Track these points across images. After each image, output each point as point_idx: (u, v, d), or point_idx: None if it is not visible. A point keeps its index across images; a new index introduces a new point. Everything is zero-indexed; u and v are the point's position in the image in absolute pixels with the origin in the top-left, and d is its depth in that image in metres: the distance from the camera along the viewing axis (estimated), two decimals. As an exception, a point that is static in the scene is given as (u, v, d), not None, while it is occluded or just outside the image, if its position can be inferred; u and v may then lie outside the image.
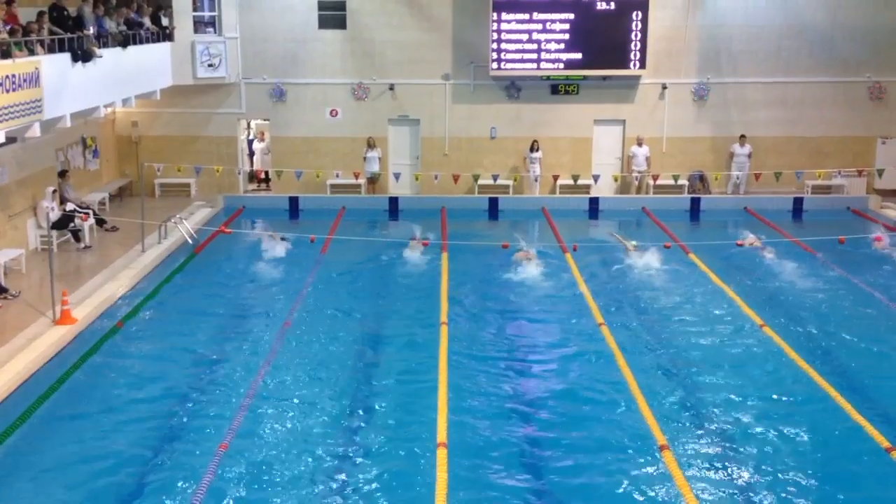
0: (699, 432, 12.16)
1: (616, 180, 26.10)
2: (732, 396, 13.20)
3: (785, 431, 12.12)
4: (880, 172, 24.37)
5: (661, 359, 14.74)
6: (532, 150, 25.86)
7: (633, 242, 20.76)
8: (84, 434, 12.05)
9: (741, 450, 11.68)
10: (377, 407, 12.89)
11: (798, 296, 17.79)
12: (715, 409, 12.83)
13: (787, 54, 26.01)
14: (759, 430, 12.19)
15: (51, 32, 18.20)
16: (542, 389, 13.60)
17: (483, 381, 13.75)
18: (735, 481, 10.96)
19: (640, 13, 25.17)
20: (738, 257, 20.03)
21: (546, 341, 15.55)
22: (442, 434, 11.56)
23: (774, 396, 13.23)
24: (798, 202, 25.46)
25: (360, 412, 12.75)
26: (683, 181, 26.06)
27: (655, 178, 25.41)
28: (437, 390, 12.98)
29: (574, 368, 14.36)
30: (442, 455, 10.99)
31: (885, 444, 11.42)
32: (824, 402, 12.83)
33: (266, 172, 27.52)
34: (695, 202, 25.50)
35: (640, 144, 25.91)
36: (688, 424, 12.38)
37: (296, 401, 13.01)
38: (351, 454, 11.54)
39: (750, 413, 12.67)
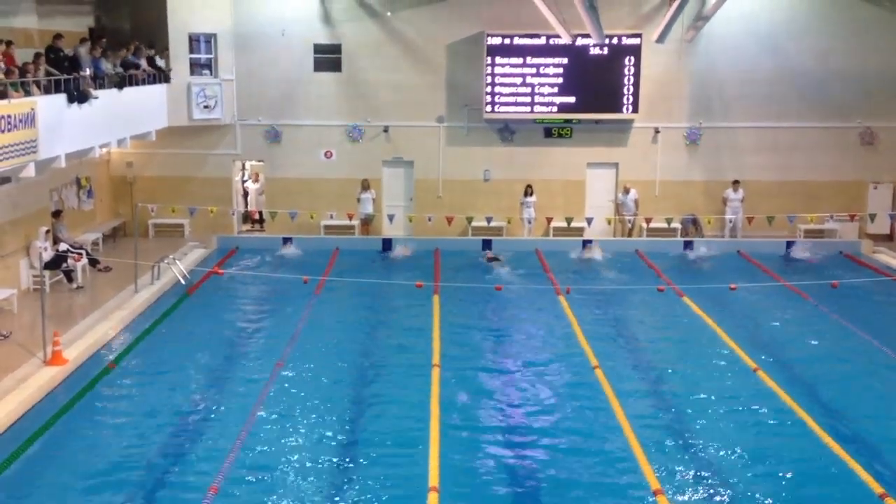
0: (693, 477, 12.07)
1: (609, 223, 26.20)
2: (726, 440, 13.13)
3: (778, 475, 12.07)
4: (872, 217, 24.53)
5: (655, 403, 14.68)
6: (526, 194, 25.98)
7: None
8: (74, 475, 11.92)
9: (735, 495, 11.59)
10: (369, 450, 12.78)
11: (791, 340, 17.79)
12: (709, 454, 12.76)
13: (778, 99, 26.26)
14: (752, 473, 12.14)
15: (47, 73, 18.32)
16: (535, 432, 13.51)
17: (476, 425, 13.67)
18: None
19: (632, 58, 25.46)
20: (731, 300, 20.01)
21: (540, 384, 15.47)
22: (434, 478, 11.47)
23: (768, 440, 13.19)
24: (791, 246, 25.55)
25: (352, 454, 12.64)
26: (676, 224, 26.17)
27: (648, 220, 25.52)
28: (428, 433, 12.89)
29: (568, 412, 14.27)
30: (433, 500, 10.89)
31: (879, 490, 11.35)
32: (817, 447, 12.77)
33: (260, 213, 27.56)
34: (688, 245, 25.58)
35: (626, 192, 26.07)
36: (682, 469, 12.29)
37: (287, 442, 12.92)
38: (342, 498, 11.43)
39: (744, 457, 12.61)
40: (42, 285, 17.39)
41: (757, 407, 14.37)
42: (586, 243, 24.97)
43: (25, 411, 13.60)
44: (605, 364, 16.00)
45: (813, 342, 17.66)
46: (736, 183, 26.00)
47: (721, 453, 12.77)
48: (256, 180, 27.96)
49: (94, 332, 17.08)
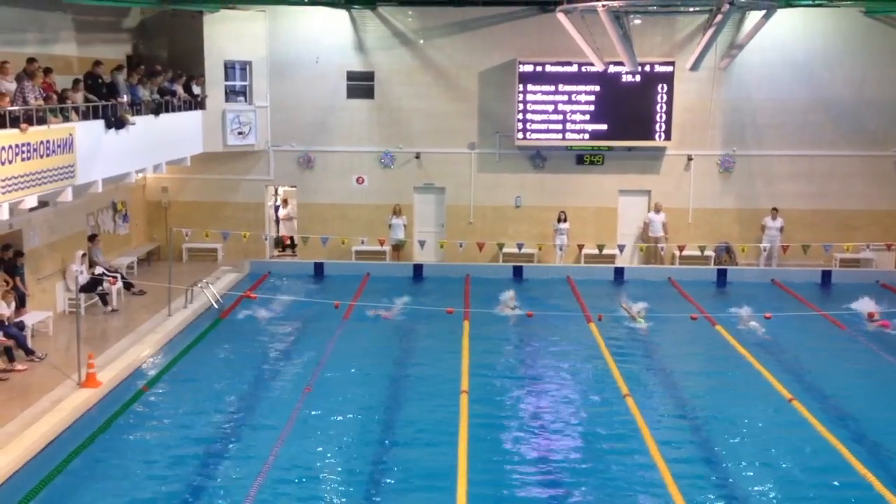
0: (726, 509, 11.95)
1: (641, 250, 26.05)
2: (760, 471, 12.99)
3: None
4: (909, 246, 24.22)
5: (687, 432, 14.53)
6: (559, 220, 25.92)
7: (639, 311, 20.69)
8: (106, 497, 12.00)
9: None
10: (396, 474, 12.76)
11: (827, 370, 17.53)
12: (742, 484, 12.58)
13: (812, 128, 26.07)
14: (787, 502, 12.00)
15: (86, 100, 18.61)
16: (565, 460, 13.40)
17: (504, 452, 13.59)
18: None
19: (665, 86, 25.42)
20: (766, 329, 19.78)
21: (570, 412, 15.38)
22: (463, 505, 11.43)
23: (802, 471, 13.00)
24: (826, 275, 25.26)
25: (379, 479, 12.61)
26: (710, 252, 25.98)
27: (681, 248, 25.36)
28: (457, 459, 12.84)
29: (599, 441, 14.14)
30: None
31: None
32: (852, 478, 12.60)
33: (291, 238, 27.71)
34: (721, 273, 25.37)
35: (657, 211, 25.93)
36: (714, 499, 12.13)
37: (316, 467, 12.93)
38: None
39: (778, 488, 12.43)
40: (77, 308, 17.61)
41: (792, 437, 14.16)
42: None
43: (60, 433, 13.72)
44: (636, 392, 15.88)
45: (849, 373, 17.41)
46: (774, 211, 25.76)
47: (755, 484, 12.59)
48: (285, 206, 28.11)
49: (128, 355, 17.23)
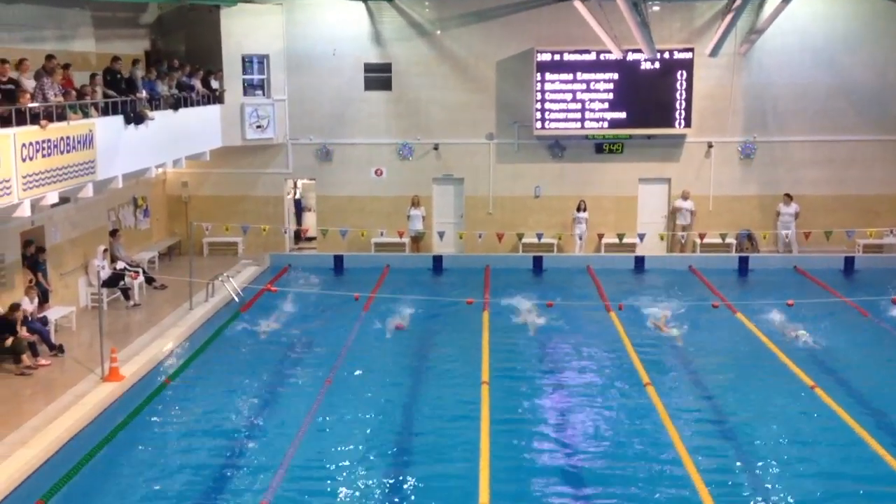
0: (748, 495, 11.85)
1: (662, 239, 25.93)
2: (783, 457, 12.93)
3: (836, 493, 11.87)
4: (933, 232, 23.96)
5: (708, 420, 14.51)
6: (579, 210, 25.83)
7: (666, 322, 19.53)
8: (130, 490, 12.11)
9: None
10: (417, 466, 12.79)
11: (850, 357, 17.41)
12: (764, 471, 12.54)
13: (834, 113, 25.82)
14: (808, 491, 11.91)
15: (105, 95, 18.71)
16: (587, 450, 13.39)
17: (526, 442, 13.60)
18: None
19: (684, 73, 25.23)
20: (788, 316, 19.65)
21: (591, 401, 15.35)
22: (484, 497, 11.40)
23: (825, 459, 12.93)
24: (849, 261, 25.04)
25: (399, 472, 12.64)
26: (731, 240, 25.81)
27: (702, 236, 25.21)
28: (478, 451, 12.82)
29: (620, 430, 14.12)
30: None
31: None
32: (876, 465, 12.52)
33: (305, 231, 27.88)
34: (743, 261, 25.20)
35: (685, 198, 25.76)
36: (736, 488, 12.07)
37: (336, 459, 12.97)
38: (392, 515, 11.45)
39: (802, 476, 12.38)
40: (100, 303, 17.74)
41: (815, 424, 14.10)
42: None
43: (84, 426, 13.84)
44: (658, 381, 15.82)
45: (872, 359, 17.27)
46: (788, 196, 25.54)
47: (777, 471, 12.54)
48: (293, 195, 28.14)
49: (150, 349, 17.35)
